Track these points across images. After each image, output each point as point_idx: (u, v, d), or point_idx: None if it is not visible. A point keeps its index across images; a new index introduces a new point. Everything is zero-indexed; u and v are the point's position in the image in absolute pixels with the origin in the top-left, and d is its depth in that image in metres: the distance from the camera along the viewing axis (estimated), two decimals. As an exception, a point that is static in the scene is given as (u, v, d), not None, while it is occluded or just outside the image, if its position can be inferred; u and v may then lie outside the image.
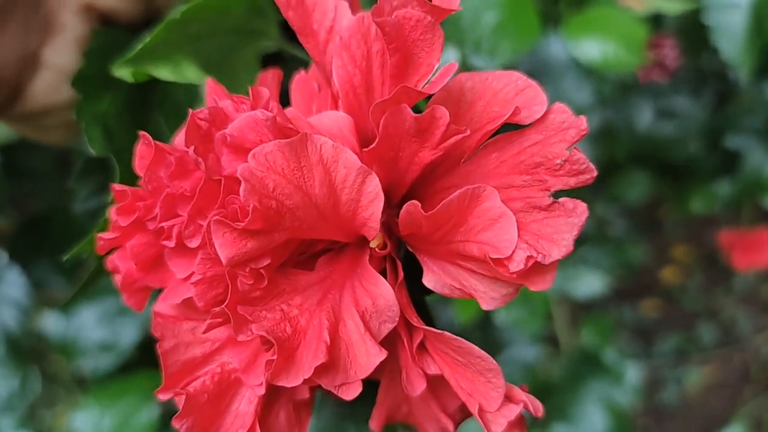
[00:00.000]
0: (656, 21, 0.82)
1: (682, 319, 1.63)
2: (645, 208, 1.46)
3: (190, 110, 0.22)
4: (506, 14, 0.63)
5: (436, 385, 0.26)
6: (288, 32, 0.37)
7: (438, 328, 0.23)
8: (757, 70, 0.68)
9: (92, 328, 0.70)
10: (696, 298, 1.65)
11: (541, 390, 0.91)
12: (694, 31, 0.83)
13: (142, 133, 0.24)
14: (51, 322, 0.72)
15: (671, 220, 1.56)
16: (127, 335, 0.69)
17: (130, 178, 0.33)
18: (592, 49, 0.67)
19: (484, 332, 0.95)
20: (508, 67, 0.62)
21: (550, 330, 1.08)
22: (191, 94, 0.42)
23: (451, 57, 0.56)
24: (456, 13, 0.69)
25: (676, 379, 1.52)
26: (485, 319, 0.92)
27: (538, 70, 0.74)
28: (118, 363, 0.69)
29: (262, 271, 0.21)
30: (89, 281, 0.37)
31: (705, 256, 1.65)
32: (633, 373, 0.95)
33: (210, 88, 0.27)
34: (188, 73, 0.37)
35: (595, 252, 1.07)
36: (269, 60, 0.40)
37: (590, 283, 1.01)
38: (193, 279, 0.22)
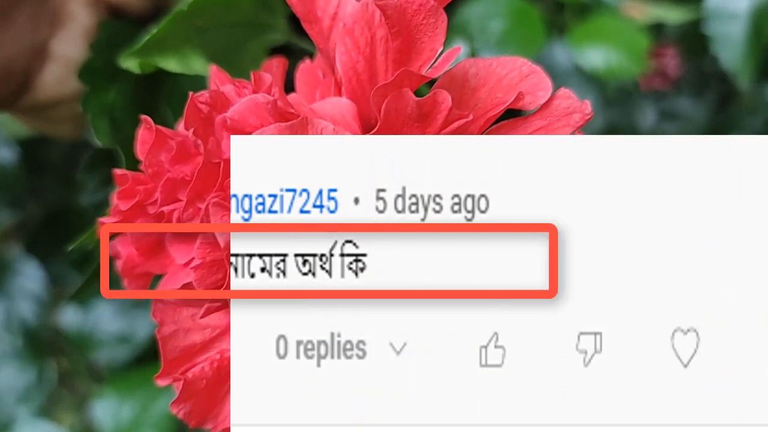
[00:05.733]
0: (657, 28, 0.82)
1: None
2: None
3: (191, 93, 0.22)
4: (513, 23, 0.65)
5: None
6: (296, 25, 0.37)
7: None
8: (757, 73, 0.69)
9: (109, 321, 0.72)
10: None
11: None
12: (695, 37, 0.83)
13: (143, 117, 0.24)
14: (68, 316, 0.73)
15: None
16: (143, 327, 0.71)
17: (136, 169, 0.34)
18: (595, 57, 0.69)
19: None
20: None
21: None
22: (199, 86, 0.42)
23: (461, 52, 0.55)
24: (464, 20, 0.69)
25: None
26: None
27: (543, 77, 0.75)
28: (134, 354, 0.71)
29: (261, 255, 0.21)
30: (98, 271, 0.37)
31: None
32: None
33: (213, 74, 0.27)
34: (195, 65, 0.37)
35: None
36: (277, 53, 0.40)
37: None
38: (193, 264, 0.22)
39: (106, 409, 0.66)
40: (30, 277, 0.73)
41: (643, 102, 0.96)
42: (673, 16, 0.77)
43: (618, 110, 0.97)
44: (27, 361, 0.71)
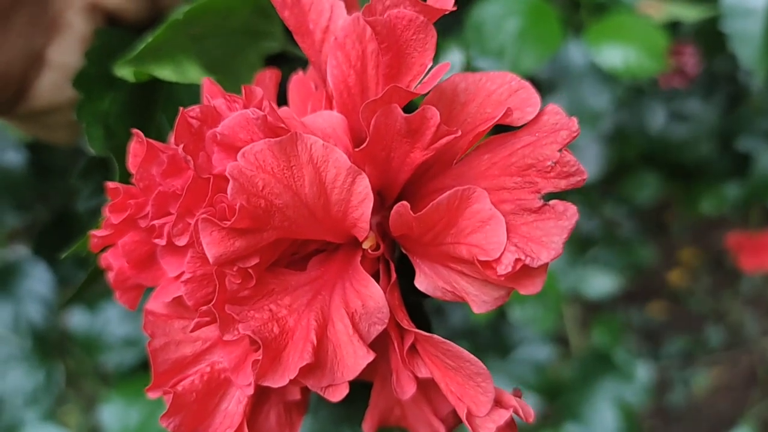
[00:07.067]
0: (672, 27, 0.82)
1: (689, 322, 1.63)
2: (652, 212, 1.46)
3: (181, 108, 0.22)
4: (528, 22, 0.64)
5: (429, 388, 0.26)
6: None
7: (435, 333, 0.23)
8: (768, 73, 0.68)
9: (117, 324, 0.73)
10: (703, 301, 1.64)
11: (551, 389, 0.91)
12: (707, 36, 0.83)
13: (135, 130, 0.24)
14: (76, 319, 0.74)
15: (678, 223, 1.56)
16: (150, 331, 0.71)
17: (130, 177, 0.34)
18: (614, 55, 0.68)
19: (496, 331, 0.95)
20: (530, 73, 0.62)
21: (560, 331, 1.08)
22: (195, 95, 0.42)
23: (456, 60, 0.56)
24: (479, 20, 0.69)
25: (683, 381, 1.52)
26: (498, 318, 0.92)
27: (558, 76, 0.75)
28: (141, 358, 0.71)
29: (250, 270, 0.21)
30: (89, 280, 0.37)
31: (712, 258, 1.65)
32: (643, 373, 0.95)
33: (206, 87, 0.27)
34: (191, 73, 0.37)
35: (605, 253, 1.07)
36: (273, 61, 0.40)
37: (602, 283, 1.01)
38: (183, 277, 0.22)
39: (113, 413, 0.66)
40: (38, 279, 0.73)
41: (653, 103, 0.96)
42: (690, 13, 0.76)
43: (628, 111, 0.97)
44: (35, 363, 0.71)
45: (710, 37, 0.84)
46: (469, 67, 0.58)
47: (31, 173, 0.75)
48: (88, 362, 0.75)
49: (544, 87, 0.74)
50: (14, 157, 0.74)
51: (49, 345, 0.73)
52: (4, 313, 0.72)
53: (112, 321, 0.73)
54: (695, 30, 0.88)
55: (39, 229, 0.78)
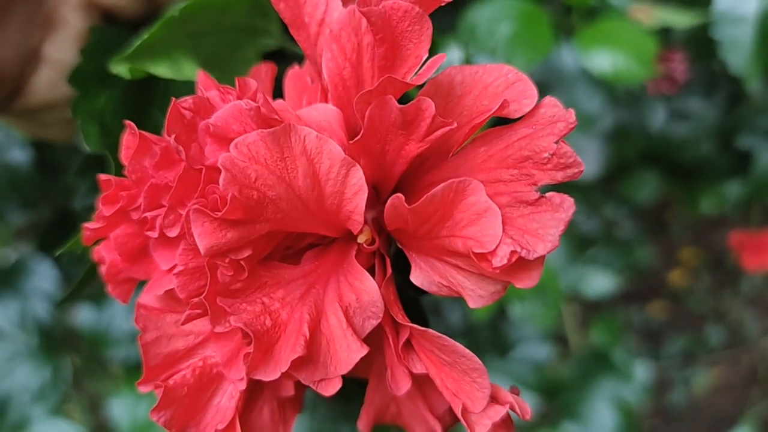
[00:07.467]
0: (665, 32, 0.82)
1: (689, 321, 1.63)
2: (652, 211, 1.46)
3: (173, 99, 0.21)
4: (520, 26, 0.64)
5: (424, 385, 0.26)
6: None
7: (432, 328, 0.23)
8: (765, 75, 0.68)
9: (123, 319, 0.73)
10: (703, 300, 1.64)
11: (550, 389, 0.91)
12: (703, 41, 0.83)
13: (127, 122, 0.24)
14: (83, 314, 0.74)
15: (678, 223, 1.56)
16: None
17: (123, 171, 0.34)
18: (603, 61, 0.68)
19: (495, 330, 0.95)
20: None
21: (560, 330, 1.08)
22: (191, 92, 0.41)
23: (455, 56, 0.55)
24: (472, 24, 0.69)
25: (683, 381, 1.52)
26: (497, 317, 0.92)
27: (551, 79, 0.75)
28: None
29: (242, 262, 0.21)
30: (86, 277, 0.37)
31: (712, 258, 1.65)
32: (642, 372, 0.95)
33: (200, 79, 0.27)
34: (187, 70, 0.37)
35: (604, 252, 1.07)
36: (271, 59, 0.40)
37: (601, 283, 1.01)
38: (175, 270, 0.21)
39: (122, 407, 0.67)
40: (44, 276, 0.73)
41: (653, 102, 0.97)
42: (681, 20, 0.76)
43: (628, 110, 0.97)
44: (42, 359, 0.72)
45: (701, 43, 0.84)
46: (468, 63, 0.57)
47: (37, 171, 0.76)
48: (95, 358, 0.75)
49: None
50: (20, 156, 0.74)
51: (55, 341, 0.73)
52: (10, 311, 0.72)
53: (118, 315, 0.73)
54: (687, 36, 0.88)
55: (43, 228, 0.78)
